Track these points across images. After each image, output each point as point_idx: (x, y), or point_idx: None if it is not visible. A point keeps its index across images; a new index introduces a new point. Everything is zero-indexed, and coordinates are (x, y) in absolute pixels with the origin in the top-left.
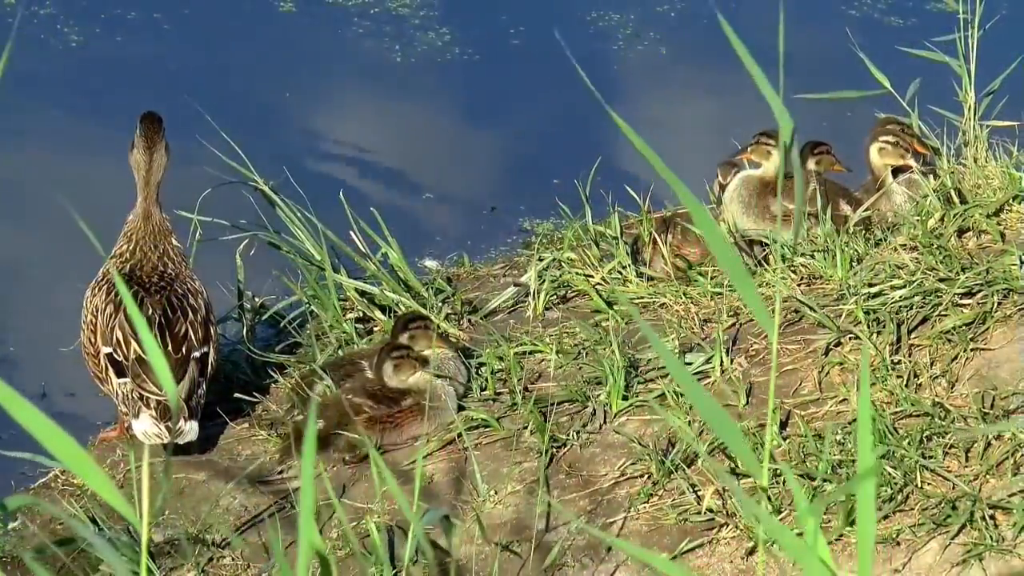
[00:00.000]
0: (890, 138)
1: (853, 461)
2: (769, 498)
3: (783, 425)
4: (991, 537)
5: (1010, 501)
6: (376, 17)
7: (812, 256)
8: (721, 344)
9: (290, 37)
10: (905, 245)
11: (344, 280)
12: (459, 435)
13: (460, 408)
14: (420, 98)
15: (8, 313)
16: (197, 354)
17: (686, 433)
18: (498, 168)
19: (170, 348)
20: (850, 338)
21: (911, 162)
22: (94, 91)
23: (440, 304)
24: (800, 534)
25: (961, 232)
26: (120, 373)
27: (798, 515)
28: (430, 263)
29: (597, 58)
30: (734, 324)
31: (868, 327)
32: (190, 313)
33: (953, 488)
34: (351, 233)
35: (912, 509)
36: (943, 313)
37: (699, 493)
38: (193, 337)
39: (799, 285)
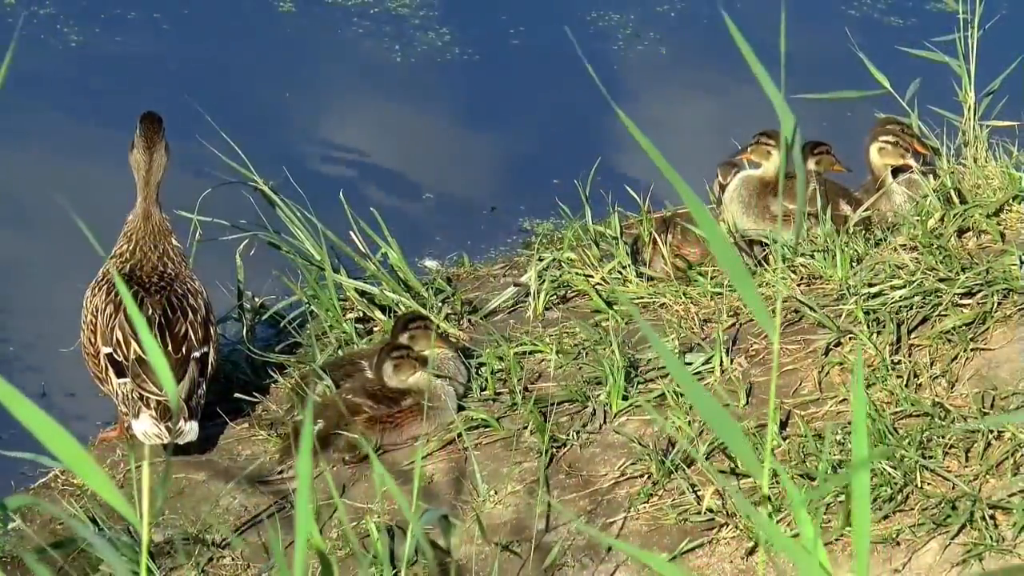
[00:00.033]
0: (890, 138)
1: None
2: (769, 498)
3: (783, 425)
4: (991, 537)
5: (1010, 501)
6: (376, 17)
7: (812, 256)
8: (721, 344)
9: (290, 37)
10: (905, 245)
11: (344, 280)
12: (459, 435)
13: (460, 408)
14: (420, 98)
15: (8, 313)
16: (197, 354)
17: (685, 434)
18: (498, 168)
19: (170, 348)
20: (850, 338)
21: (911, 162)
22: (94, 91)
23: (440, 304)
24: (796, 535)
25: (961, 232)
26: (120, 373)
27: (793, 512)
28: (430, 263)
29: (597, 58)
30: (734, 324)
31: (868, 327)
32: (190, 313)
33: (953, 488)
34: (351, 233)
35: (912, 509)
36: (943, 313)
37: (699, 493)
38: (193, 337)
39: (799, 285)
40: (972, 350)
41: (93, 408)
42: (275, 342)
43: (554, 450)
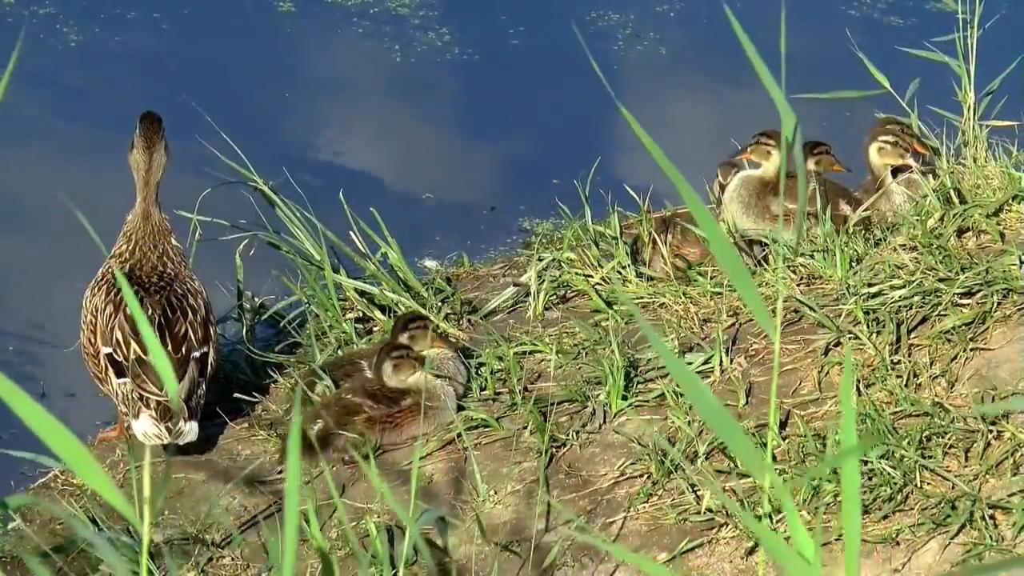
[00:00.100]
0: (889, 138)
1: None
2: (769, 499)
3: (782, 425)
4: (991, 537)
5: (1010, 501)
6: (376, 17)
7: (812, 256)
8: (721, 344)
9: (290, 37)
10: (905, 245)
11: (344, 280)
12: (459, 435)
13: (460, 408)
14: (420, 98)
15: (8, 313)
16: (197, 354)
17: (685, 434)
18: (498, 168)
19: (170, 348)
20: (850, 338)
21: (910, 162)
22: (93, 91)
23: (440, 304)
24: (788, 538)
25: (961, 232)
26: (120, 373)
27: (787, 512)
28: (430, 263)
29: (597, 58)
30: (734, 324)
31: (868, 327)
32: (190, 313)
33: (953, 488)
34: (351, 233)
35: (912, 509)
36: (943, 313)
37: (699, 493)
38: (193, 337)
39: (799, 285)
40: (972, 350)
41: (93, 408)
42: (275, 342)
43: (554, 450)
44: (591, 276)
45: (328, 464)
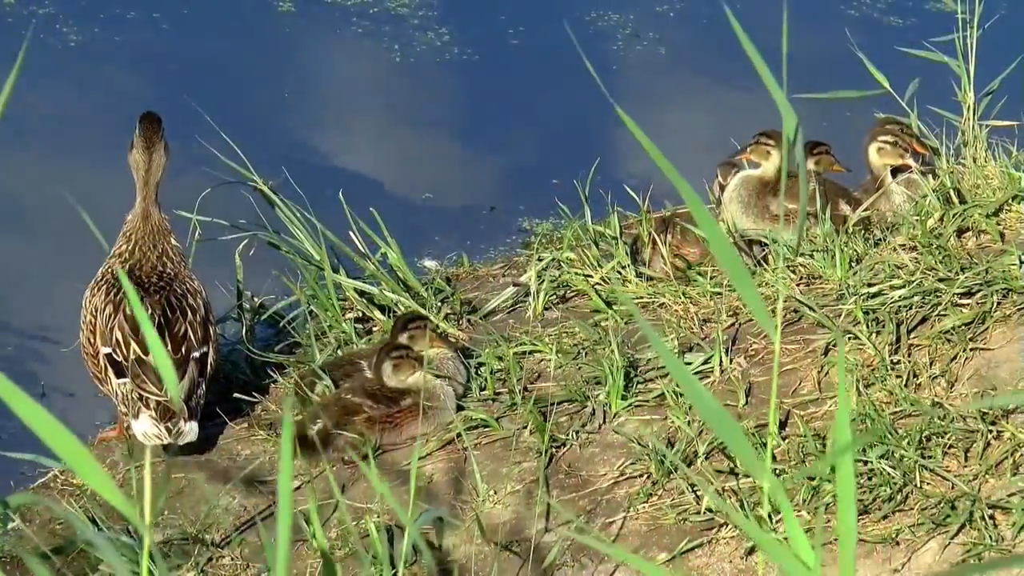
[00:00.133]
0: (889, 138)
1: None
2: (769, 499)
3: (782, 425)
4: (991, 537)
5: (1009, 501)
6: (375, 17)
7: (811, 256)
8: (720, 344)
9: (290, 37)
10: (904, 245)
11: (343, 280)
12: (458, 435)
13: (459, 408)
14: (419, 98)
15: (8, 313)
16: (196, 354)
17: (684, 434)
18: (497, 168)
19: (169, 348)
20: (850, 338)
21: (910, 162)
22: (93, 91)
23: (439, 304)
24: (786, 539)
25: (960, 232)
26: (119, 373)
27: (783, 512)
28: (429, 263)
29: (596, 58)
30: (733, 324)
31: (867, 327)
32: (189, 313)
33: (952, 488)
34: (350, 233)
35: (912, 509)
36: (942, 313)
37: (698, 493)
38: (192, 337)
39: (798, 285)
40: (971, 350)
41: (93, 408)
42: (274, 342)
43: (553, 450)
44: (591, 276)
45: (329, 464)
